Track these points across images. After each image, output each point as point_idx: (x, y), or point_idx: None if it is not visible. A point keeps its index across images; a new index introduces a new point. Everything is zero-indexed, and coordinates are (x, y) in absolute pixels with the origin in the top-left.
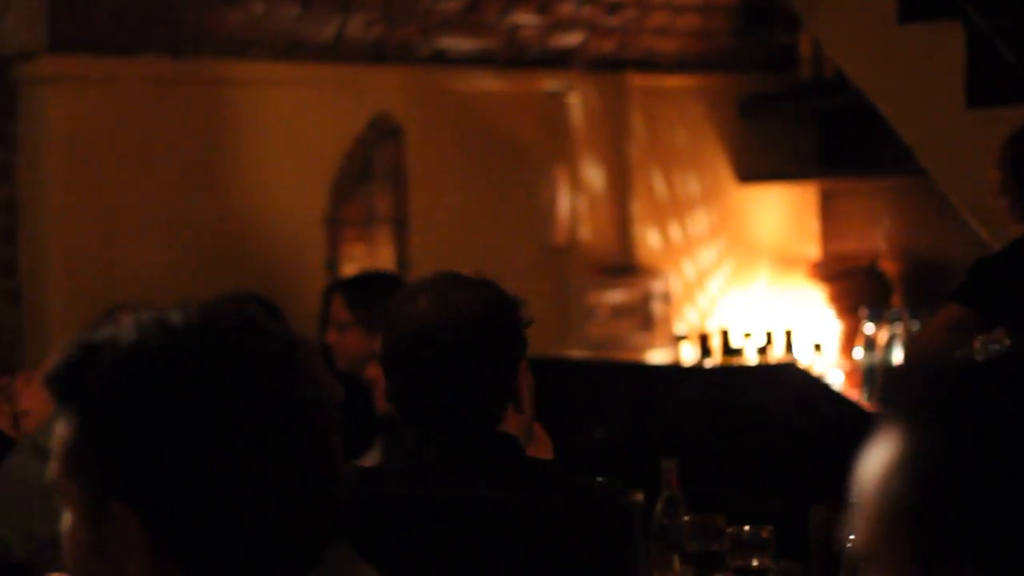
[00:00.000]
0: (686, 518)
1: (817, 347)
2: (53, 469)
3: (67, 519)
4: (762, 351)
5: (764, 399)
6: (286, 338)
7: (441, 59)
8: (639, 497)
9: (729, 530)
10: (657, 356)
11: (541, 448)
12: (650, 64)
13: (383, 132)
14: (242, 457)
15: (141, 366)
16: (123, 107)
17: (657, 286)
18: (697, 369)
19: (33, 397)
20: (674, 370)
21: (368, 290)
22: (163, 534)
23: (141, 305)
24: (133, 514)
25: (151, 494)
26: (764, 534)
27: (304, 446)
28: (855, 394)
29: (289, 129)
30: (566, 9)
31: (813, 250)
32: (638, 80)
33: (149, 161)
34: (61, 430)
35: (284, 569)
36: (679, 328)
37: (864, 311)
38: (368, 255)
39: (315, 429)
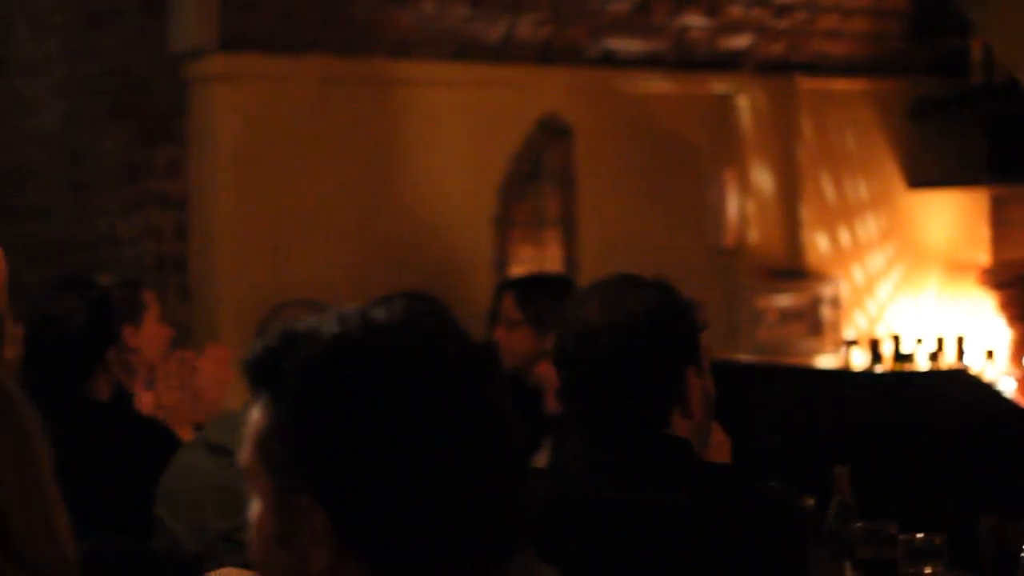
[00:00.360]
0: (858, 525)
1: (989, 354)
2: (244, 455)
3: (255, 506)
4: (933, 357)
5: (935, 406)
6: (480, 342)
7: (610, 60)
8: (810, 503)
9: (901, 537)
10: (825, 361)
11: (719, 452)
12: (819, 67)
13: (552, 133)
14: (434, 458)
15: (341, 359)
16: (292, 106)
17: (826, 291)
18: (868, 375)
19: (207, 372)
20: (845, 375)
21: (539, 290)
22: (349, 531)
23: (308, 303)
24: (321, 508)
25: (340, 489)
26: (937, 542)
27: (494, 450)
28: None
29: (458, 129)
30: (735, 11)
31: (983, 257)
32: (807, 83)
33: (318, 159)
34: (255, 416)
35: (469, 573)
36: (848, 333)
37: None
38: (536, 256)
39: (505, 434)
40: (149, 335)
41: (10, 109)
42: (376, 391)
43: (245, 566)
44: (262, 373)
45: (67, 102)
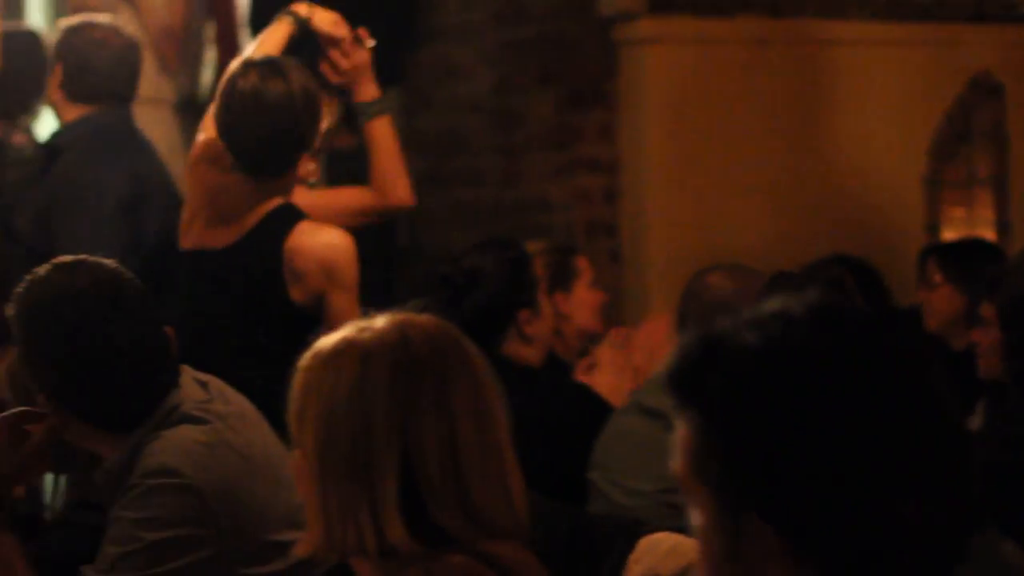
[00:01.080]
0: None
1: None
2: (677, 468)
3: (696, 519)
4: None
5: None
6: (906, 329)
7: None
8: None
9: None
10: None
11: None
12: None
13: (983, 92)
14: (880, 462)
15: (767, 372)
16: (723, 68)
17: None
18: None
19: (644, 345)
20: None
21: (963, 253)
22: (804, 546)
23: (732, 268)
24: (768, 525)
25: (786, 506)
26: None
27: (940, 442)
28: None
29: (888, 89)
30: None
31: None
32: None
33: (748, 122)
34: (683, 431)
35: (929, 571)
36: None
37: None
38: (968, 217)
39: (948, 421)
40: (580, 301)
41: (441, 76)
42: (807, 401)
43: (679, 530)
44: (686, 388)
45: (497, 68)
